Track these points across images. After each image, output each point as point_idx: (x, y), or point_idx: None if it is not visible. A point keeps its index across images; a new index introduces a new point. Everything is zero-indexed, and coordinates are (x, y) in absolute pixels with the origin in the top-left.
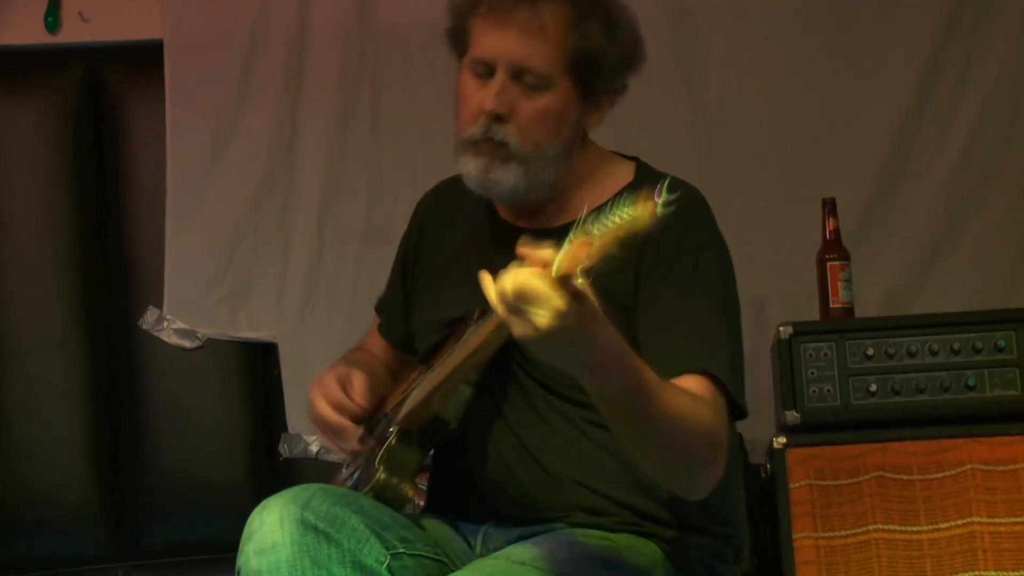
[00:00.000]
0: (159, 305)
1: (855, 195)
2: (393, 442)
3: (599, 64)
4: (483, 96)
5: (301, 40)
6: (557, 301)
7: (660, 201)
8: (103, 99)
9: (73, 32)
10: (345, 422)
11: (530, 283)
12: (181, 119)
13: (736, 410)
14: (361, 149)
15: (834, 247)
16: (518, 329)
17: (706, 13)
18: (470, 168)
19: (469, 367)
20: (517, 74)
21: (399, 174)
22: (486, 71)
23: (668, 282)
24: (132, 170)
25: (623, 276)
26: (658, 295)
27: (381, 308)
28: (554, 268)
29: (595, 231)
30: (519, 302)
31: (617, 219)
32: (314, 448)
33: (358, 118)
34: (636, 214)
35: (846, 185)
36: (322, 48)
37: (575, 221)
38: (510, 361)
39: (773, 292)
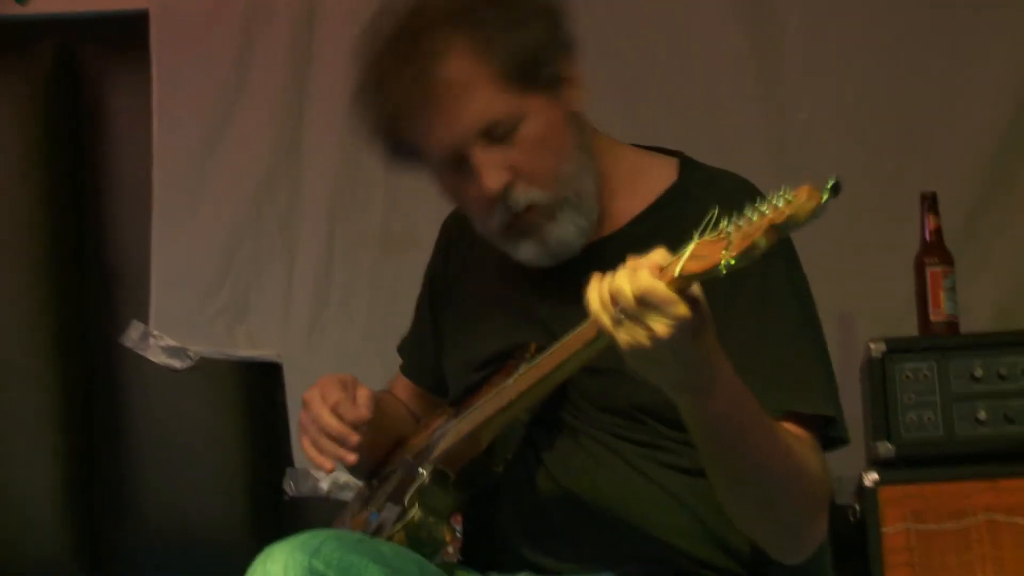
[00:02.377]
0: (144, 320)
1: (959, 190)
2: (427, 482)
3: (534, 55)
4: (476, 186)
5: (309, 16)
6: (682, 308)
7: (828, 186)
8: (79, 81)
9: (44, 1)
10: (344, 427)
11: (654, 285)
12: (170, 105)
13: (834, 439)
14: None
15: (935, 250)
16: (627, 338)
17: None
18: (526, 253)
19: (528, 401)
20: (485, 136)
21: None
22: (457, 160)
23: (733, 308)
24: (113, 164)
25: None
26: (725, 326)
27: (406, 347)
28: (677, 268)
29: (730, 227)
30: (639, 307)
31: (767, 209)
32: (324, 486)
33: None
34: (798, 200)
35: (949, 178)
36: (333, 26)
37: (620, 230)
38: (552, 398)
39: (863, 304)
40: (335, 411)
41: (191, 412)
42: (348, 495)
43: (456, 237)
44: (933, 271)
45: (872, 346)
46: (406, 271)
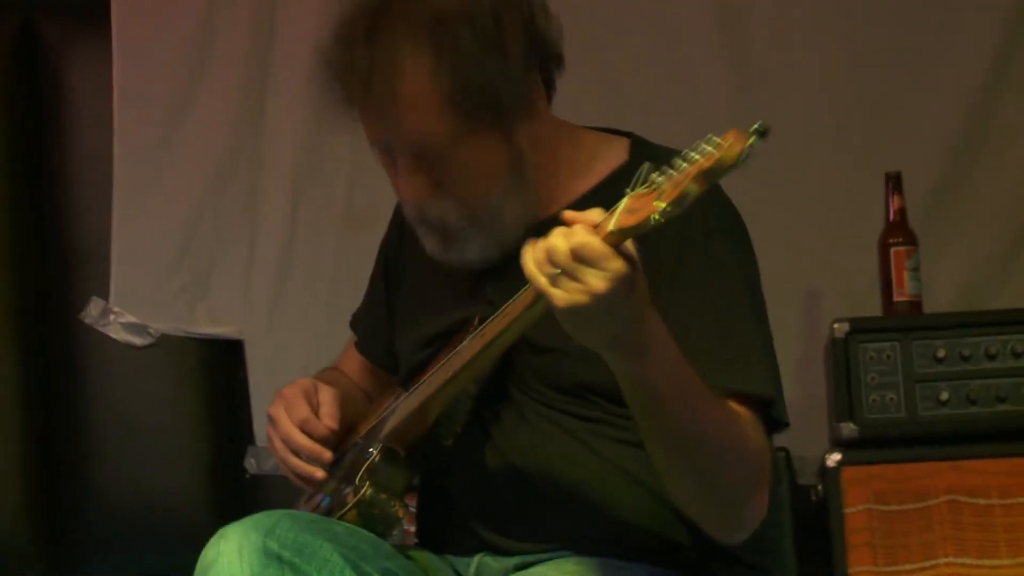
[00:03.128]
0: (104, 296)
1: (924, 169)
2: (377, 460)
3: (497, 89)
4: (399, 185)
5: None
6: (617, 262)
7: (753, 128)
8: (40, 57)
9: None
10: (315, 446)
11: (588, 240)
12: (131, 81)
13: (774, 422)
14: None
15: (899, 230)
16: (564, 296)
17: None
18: (429, 247)
19: (473, 371)
20: (418, 151)
21: None
22: (387, 153)
23: (676, 285)
24: (74, 140)
25: None
26: (667, 302)
27: (358, 322)
28: (612, 222)
29: (661, 178)
30: (574, 262)
31: (697, 155)
32: None
33: None
34: (725, 144)
35: (913, 158)
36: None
37: (566, 208)
38: (499, 374)
39: (827, 283)
40: (303, 428)
41: (151, 390)
42: None
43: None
44: (897, 251)
45: (836, 326)
46: (370, 248)
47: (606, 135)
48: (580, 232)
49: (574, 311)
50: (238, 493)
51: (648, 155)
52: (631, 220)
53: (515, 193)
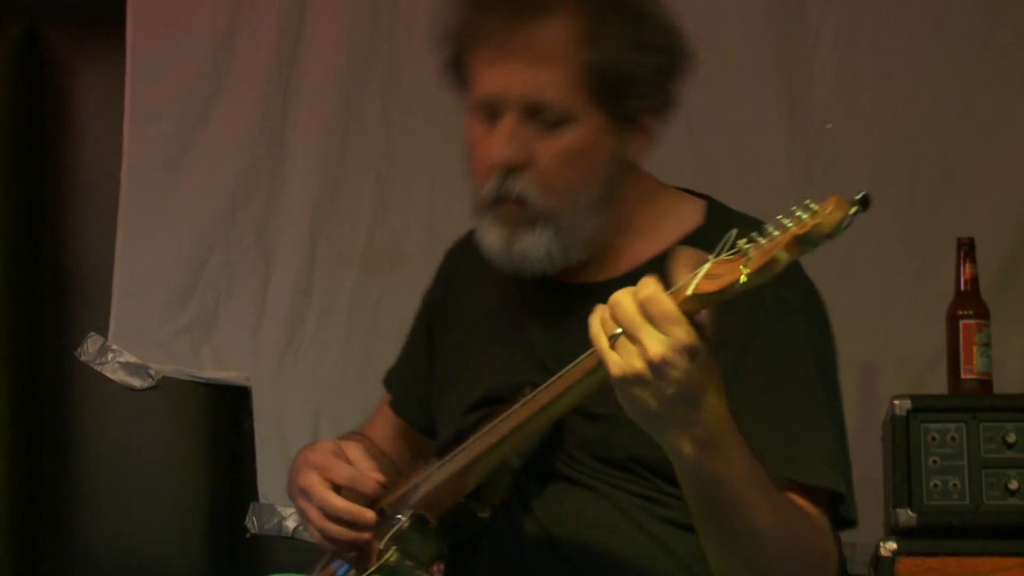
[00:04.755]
0: (103, 332)
1: (998, 236)
2: (405, 526)
3: (628, 80)
4: (491, 144)
5: (300, 7)
6: (682, 330)
7: (857, 198)
8: (45, 68)
9: None
10: (353, 508)
11: (657, 296)
12: (143, 98)
13: (841, 520)
14: (367, 149)
15: (970, 301)
16: (618, 360)
17: (816, 2)
18: (491, 241)
19: (520, 439)
20: (529, 111)
21: (413, 184)
22: (492, 113)
23: (742, 365)
24: (77, 159)
25: None
26: (731, 382)
27: (396, 381)
28: (691, 287)
29: (749, 247)
30: (636, 320)
31: (790, 223)
32: (291, 524)
33: (366, 110)
34: (824, 212)
35: (987, 224)
36: (325, 18)
37: (634, 270)
38: (543, 440)
39: (888, 356)
40: (352, 486)
41: (148, 436)
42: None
43: (459, 268)
44: (966, 323)
45: (896, 403)
46: (389, 292)
47: (681, 194)
48: (650, 286)
49: (627, 378)
50: (237, 553)
51: (726, 220)
52: (712, 286)
53: (602, 203)
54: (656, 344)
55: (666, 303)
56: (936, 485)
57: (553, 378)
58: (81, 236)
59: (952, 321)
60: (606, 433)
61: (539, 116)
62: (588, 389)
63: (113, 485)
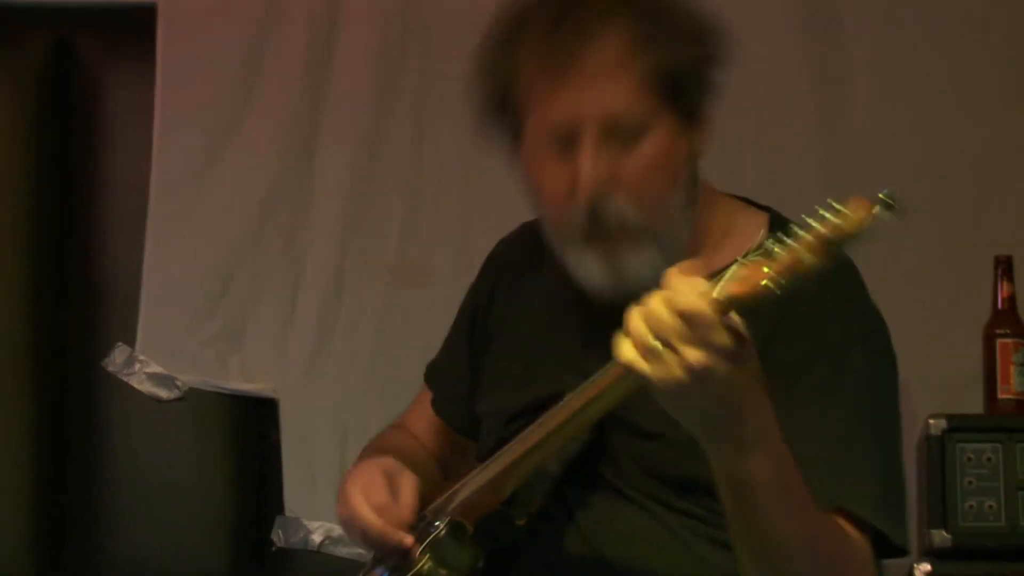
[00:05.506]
0: (130, 343)
1: None
2: (442, 534)
3: (691, 75)
4: (571, 172)
5: (331, 17)
6: (721, 335)
7: (881, 196)
8: (75, 77)
9: None
10: (393, 533)
11: (695, 306)
12: (173, 107)
13: (891, 548)
14: (397, 161)
15: (1007, 319)
16: (659, 370)
17: (851, 13)
18: (592, 272)
19: (554, 446)
20: (607, 130)
21: (444, 198)
22: (565, 140)
23: (798, 392)
24: (106, 170)
25: None
26: (786, 409)
27: (435, 376)
28: (717, 289)
29: (776, 248)
30: (675, 330)
31: (816, 223)
32: (317, 538)
33: (396, 121)
34: (848, 214)
35: None
36: (356, 29)
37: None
38: (590, 455)
39: (922, 374)
40: (380, 513)
41: (174, 447)
42: (341, 550)
43: (507, 268)
44: (1004, 343)
45: (932, 422)
46: (418, 306)
47: (743, 205)
48: (686, 295)
49: (669, 387)
50: (262, 567)
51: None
52: (739, 288)
53: (689, 206)
54: (695, 352)
55: (704, 311)
56: (971, 506)
57: (585, 383)
58: (110, 246)
59: (989, 340)
60: (658, 452)
61: (617, 132)
62: (624, 393)
63: (139, 497)
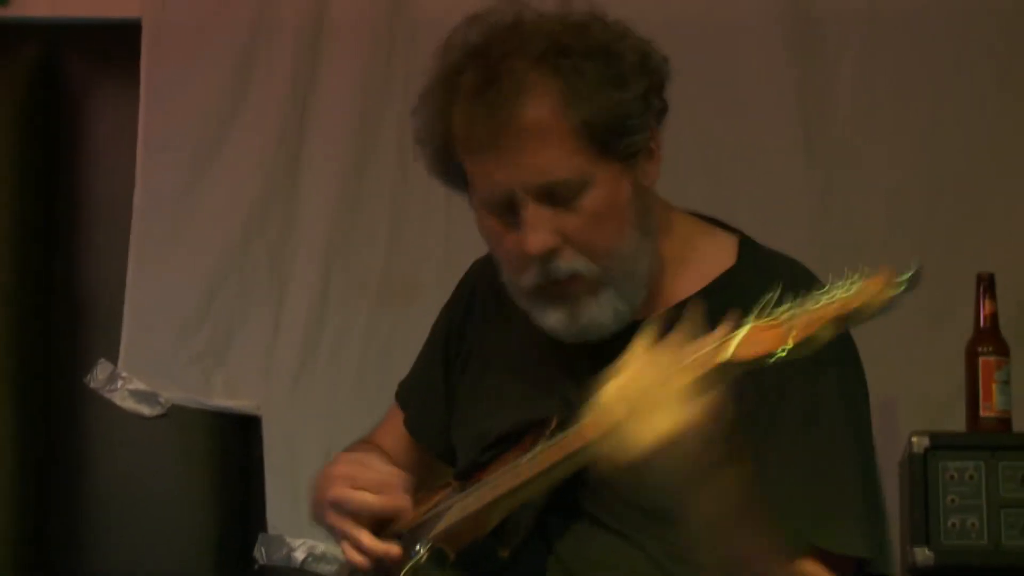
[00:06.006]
0: (113, 358)
1: (1019, 272)
2: (423, 560)
3: (624, 119)
4: (518, 239)
5: (316, 32)
6: (693, 407)
7: (906, 277)
8: (59, 93)
9: (26, 2)
10: (391, 502)
11: (665, 378)
12: (158, 123)
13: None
14: (383, 178)
15: (989, 337)
16: (637, 440)
17: (833, 20)
18: (553, 322)
19: (547, 481)
20: (545, 194)
21: (431, 214)
22: (505, 206)
23: (773, 427)
24: (90, 185)
25: None
26: (761, 441)
27: (407, 396)
28: (729, 351)
29: (790, 315)
30: (649, 396)
31: (833, 296)
32: (300, 555)
33: (383, 138)
34: (871, 290)
35: (1008, 259)
36: (342, 46)
37: (672, 308)
38: (569, 482)
39: (905, 392)
40: (381, 490)
41: (157, 465)
42: (325, 568)
43: (481, 289)
44: (986, 360)
45: (914, 440)
46: (404, 323)
47: (709, 227)
48: (663, 364)
49: (641, 455)
50: None
51: (757, 260)
52: (750, 353)
53: (644, 240)
54: (663, 422)
55: (671, 383)
56: (954, 524)
57: (582, 421)
58: (93, 262)
59: (971, 358)
60: (640, 481)
61: (556, 194)
62: (606, 448)
63: (121, 514)
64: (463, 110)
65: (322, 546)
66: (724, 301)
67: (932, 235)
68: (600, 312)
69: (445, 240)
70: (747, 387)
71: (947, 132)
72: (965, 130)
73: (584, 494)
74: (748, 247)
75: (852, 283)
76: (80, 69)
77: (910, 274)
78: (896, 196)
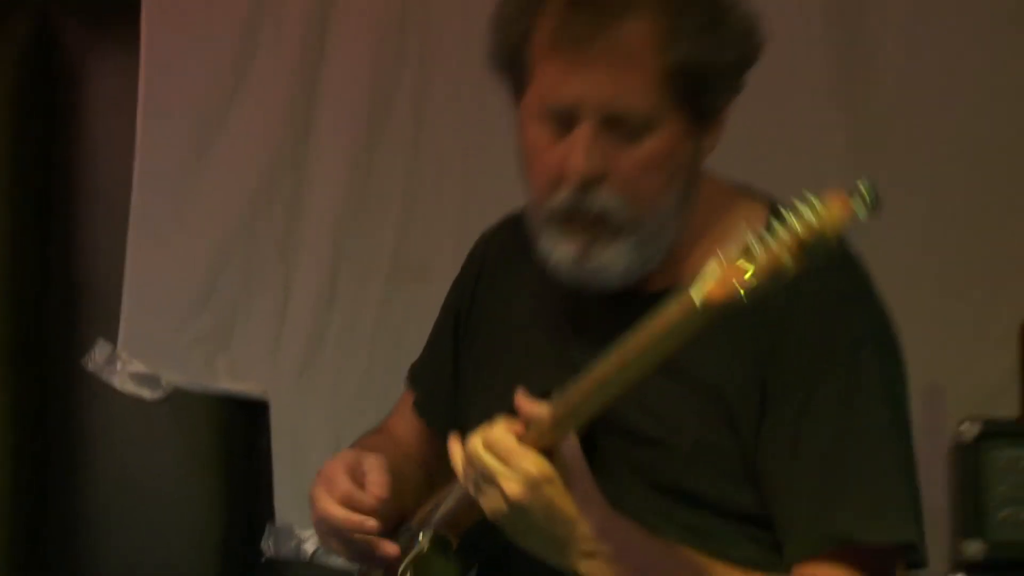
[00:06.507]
0: (112, 339)
1: None
2: (425, 549)
3: (710, 77)
4: (565, 154)
5: (325, 6)
6: (528, 463)
7: (864, 189)
8: (56, 64)
9: None
10: (352, 517)
11: (502, 438)
12: (159, 97)
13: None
14: (395, 155)
15: None
16: (491, 505)
17: (877, 5)
18: (560, 255)
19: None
20: (611, 121)
21: (443, 194)
22: (564, 120)
23: (810, 410)
24: (88, 161)
25: (743, 389)
26: (796, 428)
27: (417, 378)
28: (693, 290)
29: (755, 245)
30: (489, 462)
31: (794, 223)
32: (309, 547)
33: (394, 116)
34: (826, 212)
35: None
36: (353, 19)
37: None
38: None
39: (954, 378)
40: (346, 503)
41: (159, 451)
42: (334, 560)
43: (494, 258)
44: None
45: (964, 428)
46: (416, 307)
47: (741, 193)
48: (496, 430)
49: (499, 519)
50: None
51: None
52: (716, 289)
53: (681, 207)
54: (510, 483)
55: (508, 442)
56: (1006, 516)
57: (581, 379)
58: (91, 240)
59: None
60: (656, 460)
61: (620, 125)
62: (615, 394)
63: (121, 503)
64: (559, 8)
65: None
66: None
67: (983, 214)
68: (612, 260)
69: (459, 219)
70: (779, 372)
71: (992, 114)
72: (1011, 110)
73: (597, 474)
74: (778, 213)
75: (810, 208)
76: (78, 37)
77: (863, 190)
78: (943, 178)
